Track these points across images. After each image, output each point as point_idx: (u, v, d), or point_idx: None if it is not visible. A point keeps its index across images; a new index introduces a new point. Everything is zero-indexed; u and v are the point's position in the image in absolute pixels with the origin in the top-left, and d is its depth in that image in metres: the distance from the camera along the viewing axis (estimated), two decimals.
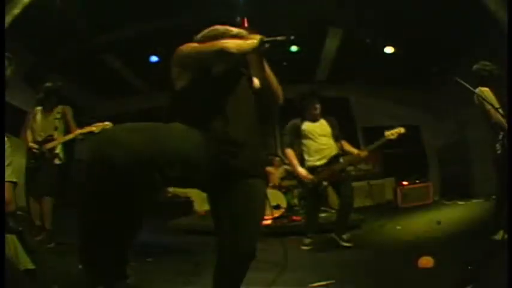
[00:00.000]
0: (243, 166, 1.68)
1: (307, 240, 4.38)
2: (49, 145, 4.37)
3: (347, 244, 4.14)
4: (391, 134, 4.26)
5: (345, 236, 4.21)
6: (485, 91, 3.59)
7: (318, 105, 4.43)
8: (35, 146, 4.34)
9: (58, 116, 4.53)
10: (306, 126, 4.40)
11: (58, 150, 4.46)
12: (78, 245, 1.36)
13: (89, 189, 1.30)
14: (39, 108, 4.56)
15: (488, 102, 3.41)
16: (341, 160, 4.32)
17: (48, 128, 4.47)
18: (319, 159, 4.28)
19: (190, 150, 1.49)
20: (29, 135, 4.42)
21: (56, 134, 4.46)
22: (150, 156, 1.29)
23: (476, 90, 3.56)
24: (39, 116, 4.51)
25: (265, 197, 1.80)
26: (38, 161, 4.33)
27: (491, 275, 2.33)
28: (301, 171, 4.21)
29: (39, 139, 4.41)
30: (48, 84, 4.59)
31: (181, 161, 1.42)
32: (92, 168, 1.27)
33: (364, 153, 4.34)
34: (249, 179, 1.72)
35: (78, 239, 1.35)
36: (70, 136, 4.40)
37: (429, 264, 2.91)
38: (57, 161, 4.44)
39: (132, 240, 1.42)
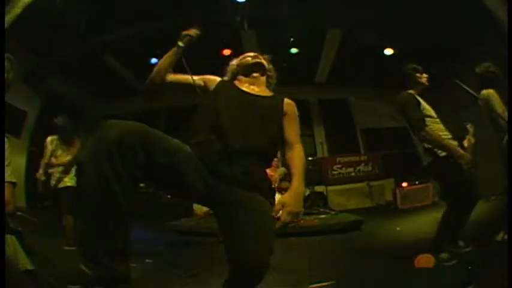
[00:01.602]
0: (237, 179, 1.69)
1: (444, 255, 3.06)
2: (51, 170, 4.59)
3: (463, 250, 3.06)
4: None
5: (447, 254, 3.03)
6: (491, 93, 3.52)
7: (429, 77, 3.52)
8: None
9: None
10: (422, 101, 3.37)
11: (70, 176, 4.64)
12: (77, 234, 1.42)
13: (88, 168, 1.38)
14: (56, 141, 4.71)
15: (490, 107, 3.37)
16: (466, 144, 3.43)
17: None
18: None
19: (181, 154, 1.60)
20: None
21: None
22: (137, 137, 1.39)
23: (481, 94, 3.52)
24: (58, 152, 4.67)
25: (265, 214, 1.71)
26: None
27: (491, 275, 2.33)
28: (465, 153, 3.10)
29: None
30: (57, 122, 4.68)
31: (170, 154, 1.52)
32: (91, 145, 1.38)
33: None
34: (246, 193, 1.69)
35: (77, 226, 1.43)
36: (64, 161, 4.61)
37: (429, 264, 2.91)
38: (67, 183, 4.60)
39: (126, 231, 1.44)
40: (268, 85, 2.16)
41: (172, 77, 1.95)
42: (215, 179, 1.67)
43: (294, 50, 8.01)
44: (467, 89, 3.08)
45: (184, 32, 1.97)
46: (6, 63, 2.35)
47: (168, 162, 1.50)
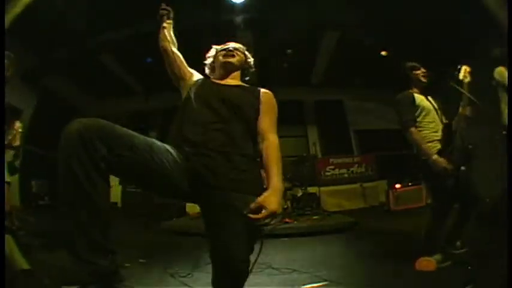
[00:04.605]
0: (218, 181, 1.69)
1: (438, 257, 3.09)
2: None
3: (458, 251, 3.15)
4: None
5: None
6: (503, 71, 3.54)
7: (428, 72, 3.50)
8: None
9: None
10: (419, 99, 3.35)
11: None
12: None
13: (58, 163, 1.38)
14: None
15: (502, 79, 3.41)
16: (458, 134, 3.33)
17: None
18: (439, 142, 3.20)
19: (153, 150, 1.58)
20: None
21: None
22: (96, 131, 1.39)
23: (495, 71, 3.55)
24: None
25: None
26: None
27: (491, 275, 2.36)
28: (439, 159, 3.01)
29: None
30: None
31: (138, 149, 1.50)
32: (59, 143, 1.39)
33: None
34: (229, 193, 1.68)
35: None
36: None
37: (430, 267, 2.90)
38: None
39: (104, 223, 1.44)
40: (243, 76, 2.19)
41: (173, 49, 2.11)
42: (196, 178, 1.67)
43: (289, 51, 8.04)
44: (463, 91, 3.09)
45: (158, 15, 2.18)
46: (5, 60, 2.36)
47: (135, 157, 1.49)
